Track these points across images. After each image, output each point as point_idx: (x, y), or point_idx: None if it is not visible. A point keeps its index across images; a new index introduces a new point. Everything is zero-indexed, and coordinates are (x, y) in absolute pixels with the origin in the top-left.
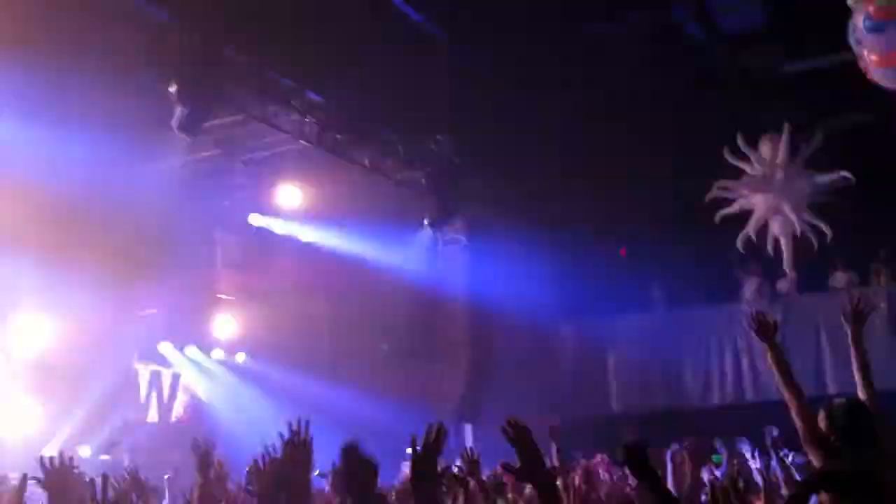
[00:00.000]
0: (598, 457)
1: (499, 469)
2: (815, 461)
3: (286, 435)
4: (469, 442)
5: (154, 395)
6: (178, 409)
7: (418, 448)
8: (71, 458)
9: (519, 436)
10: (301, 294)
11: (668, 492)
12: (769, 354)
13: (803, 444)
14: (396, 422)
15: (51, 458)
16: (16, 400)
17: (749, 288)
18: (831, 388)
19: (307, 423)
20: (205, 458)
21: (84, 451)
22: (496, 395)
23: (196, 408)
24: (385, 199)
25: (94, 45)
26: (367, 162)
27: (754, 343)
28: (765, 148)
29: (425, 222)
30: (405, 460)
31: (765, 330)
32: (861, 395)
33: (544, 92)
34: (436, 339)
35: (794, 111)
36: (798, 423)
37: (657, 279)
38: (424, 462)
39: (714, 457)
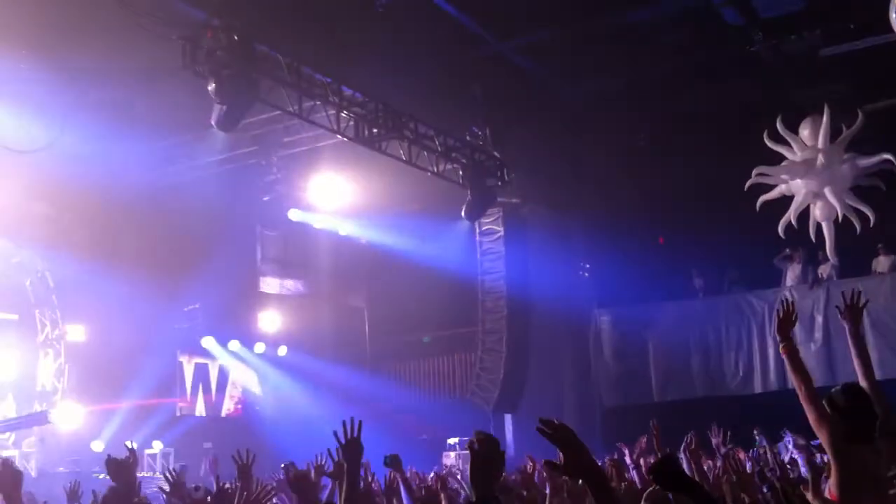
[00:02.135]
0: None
1: (529, 465)
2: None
3: (339, 436)
4: (509, 432)
5: (200, 388)
6: (228, 404)
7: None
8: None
9: (558, 434)
10: (340, 287)
11: (709, 496)
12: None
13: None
14: (436, 413)
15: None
16: (64, 396)
17: (791, 274)
18: (876, 374)
19: (360, 423)
20: (244, 471)
21: (130, 445)
22: (535, 384)
23: (243, 401)
24: (422, 192)
25: (134, 46)
26: (403, 155)
27: (797, 328)
28: (805, 132)
29: (462, 214)
30: (445, 451)
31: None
32: (863, 385)
33: (581, 80)
34: (474, 330)
35: (834, 95)
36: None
37: (696, 267)
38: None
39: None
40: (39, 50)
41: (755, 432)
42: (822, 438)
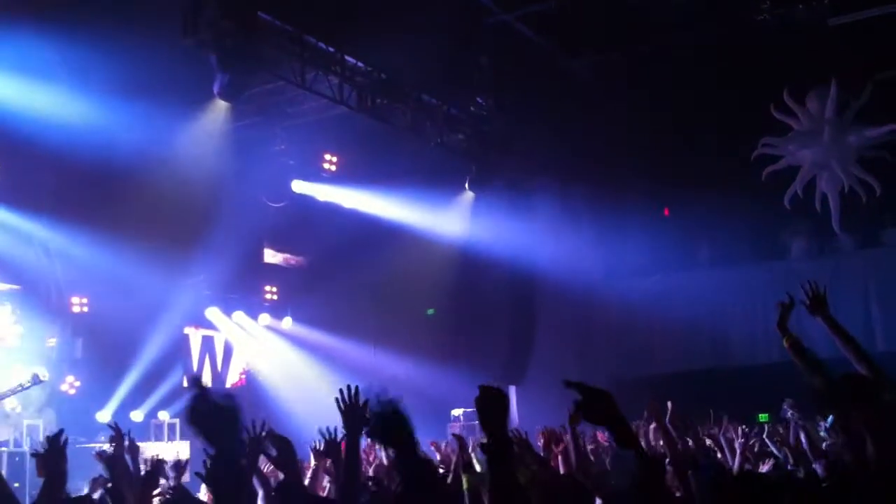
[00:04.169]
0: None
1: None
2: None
3: (340, 404)
4: (514, 404)
5: (207, 359)
6: (233, 375)
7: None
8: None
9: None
10: (344, 259)
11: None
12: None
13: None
14: (441, 385)
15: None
16: (71, 367)
17: (797, 245)
18: (880, 346)
19: (356, 388)
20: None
21: (137, 416)
22: (540, 356)
23: (248, 373)
24: (426, 163)
25: (136, 14)
26: (407, 126)
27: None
28: (812, 103)
29: (467, 185)
30: (450, 422)
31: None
32: (861, 370)
33: (585, 52)
34: (479, 301)
35: (841, 65)
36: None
37: (702, 239)
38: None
39: (760, 416)
40: (42, 18)
41: (785, 405)
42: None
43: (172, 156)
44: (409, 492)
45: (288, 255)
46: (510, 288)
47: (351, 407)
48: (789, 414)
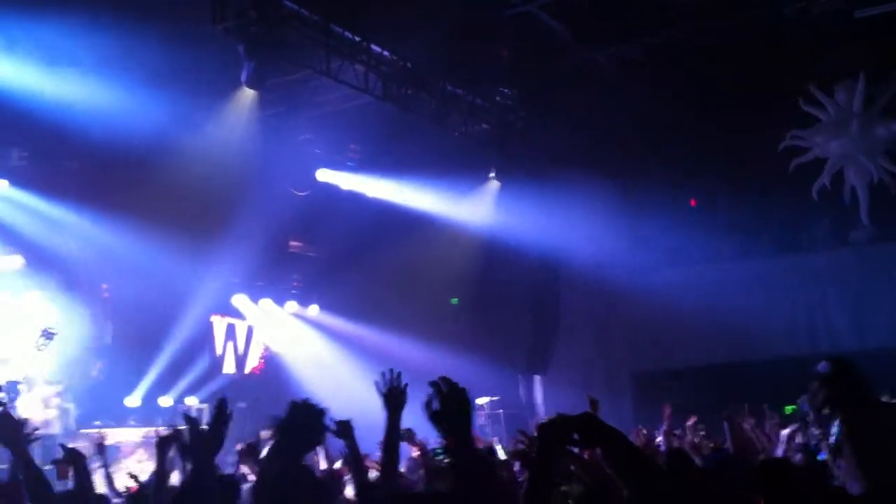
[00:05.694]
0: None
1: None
2: None
3: (381, 385)
4: (538, 393)
5: (231, 346)
6: (252, 360)
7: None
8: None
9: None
10: (368, 248)
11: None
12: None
13: None
14: (465, 374)
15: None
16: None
17: (822, 238)
18: None
19: (399, 373)
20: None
21: (165, 401)
22: (564, 346)
23: (270, 359)
24: (450, 152)
25: (164, 2)
26: (432, 115)
27: (828, 293)
28: (840, 95)
29: (491, 175)
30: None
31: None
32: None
33: (609, 41)
34: (502, 291)
35: (869, 57)
36: None
37: (729, 230)
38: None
39: (786, 407)
40: (70, 6)
41: (800, 401)
42: None
43: (200, 144)
44: (462, 487)
45: (313, 244)
46: (534, 277)
47: (391, 390)
48: (805, 408)
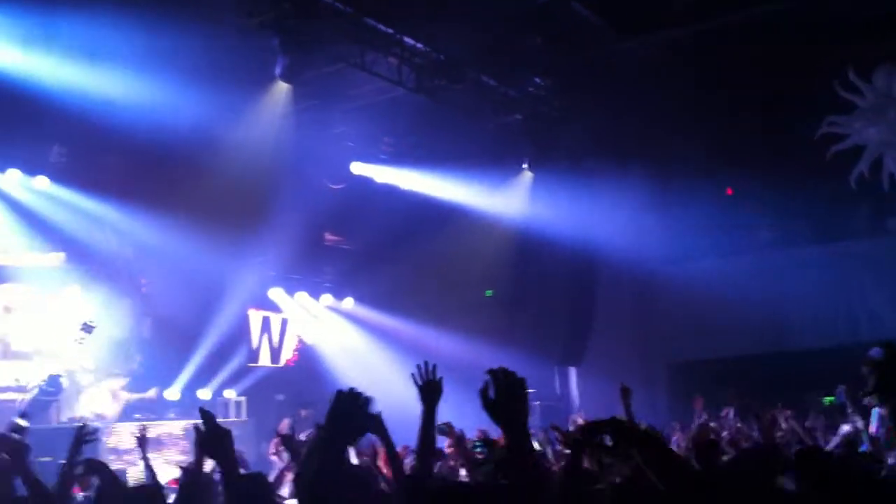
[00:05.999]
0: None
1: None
2: None
3: (417, 377)
4: (574, 385)
5: (266, 339)
6: (286, 353)
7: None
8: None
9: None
10: (403, 241)
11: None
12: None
13: None
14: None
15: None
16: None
17: (859, 226)
18: None
19: (434, 366)
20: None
21: (204, 394)
22: (599, 337)
23: (304, 351)
24: (484, 144)
25: None
26: (465, 107)
27: (867, 281)
28: (879, 81)
29: (524, 166)
30: None
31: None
32: None
33: (645, 32)
34: (538, 282)
35: None
36: None
37: (766, 219)
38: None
39: (826, 398)
40: (109, 2)
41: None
42: None
43: (236, 139)
44: (515, 485)
45: (348, 237)
46: (569, 269)
47: (428, 382)
48: (843, 397)
